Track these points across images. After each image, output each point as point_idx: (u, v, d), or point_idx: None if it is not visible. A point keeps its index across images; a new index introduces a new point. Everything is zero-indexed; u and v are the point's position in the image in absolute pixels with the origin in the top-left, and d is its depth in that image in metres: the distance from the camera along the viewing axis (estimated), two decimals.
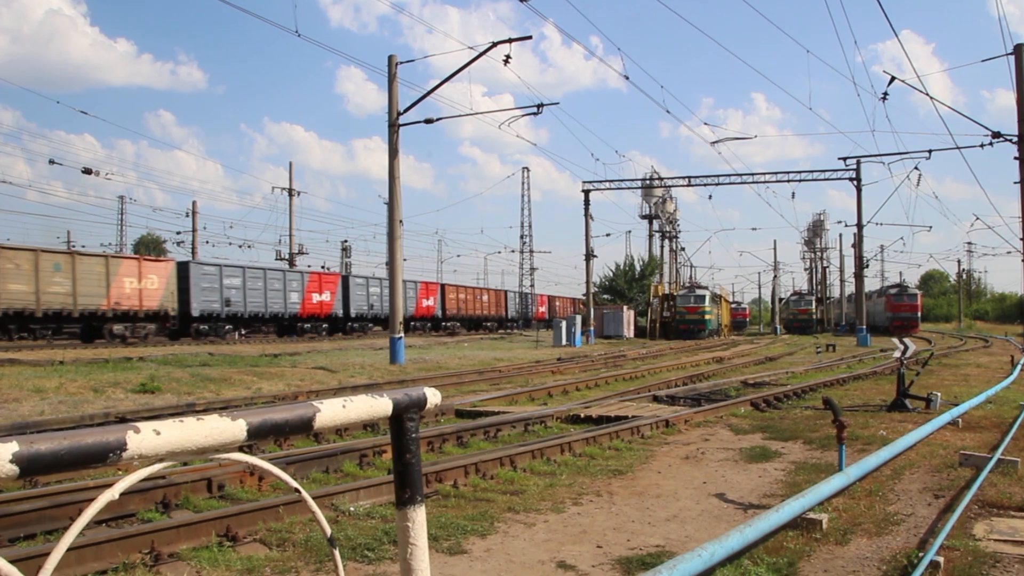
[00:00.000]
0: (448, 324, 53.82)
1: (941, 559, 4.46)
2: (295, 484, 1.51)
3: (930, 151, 32.67)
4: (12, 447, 1.04)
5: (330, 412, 1.48)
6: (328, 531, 1.54)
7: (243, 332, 36.91)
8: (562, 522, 5.86)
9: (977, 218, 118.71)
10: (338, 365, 20.71)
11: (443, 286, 54.34)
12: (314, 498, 1.54)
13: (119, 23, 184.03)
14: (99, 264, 29.20)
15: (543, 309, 71.66)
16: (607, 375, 18.95)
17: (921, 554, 4.58)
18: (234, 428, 1.30)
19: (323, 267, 52.39)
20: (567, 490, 6.86)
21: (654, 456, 8.53)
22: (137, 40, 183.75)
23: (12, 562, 1.04)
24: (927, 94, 22.46)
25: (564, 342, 36.78)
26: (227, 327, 35.47)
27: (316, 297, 41.20)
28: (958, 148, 27.95)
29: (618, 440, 9.22)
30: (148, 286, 31.13)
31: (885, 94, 23.93)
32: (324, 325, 42.35)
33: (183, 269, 33.46)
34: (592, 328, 42.61)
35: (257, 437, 1.36)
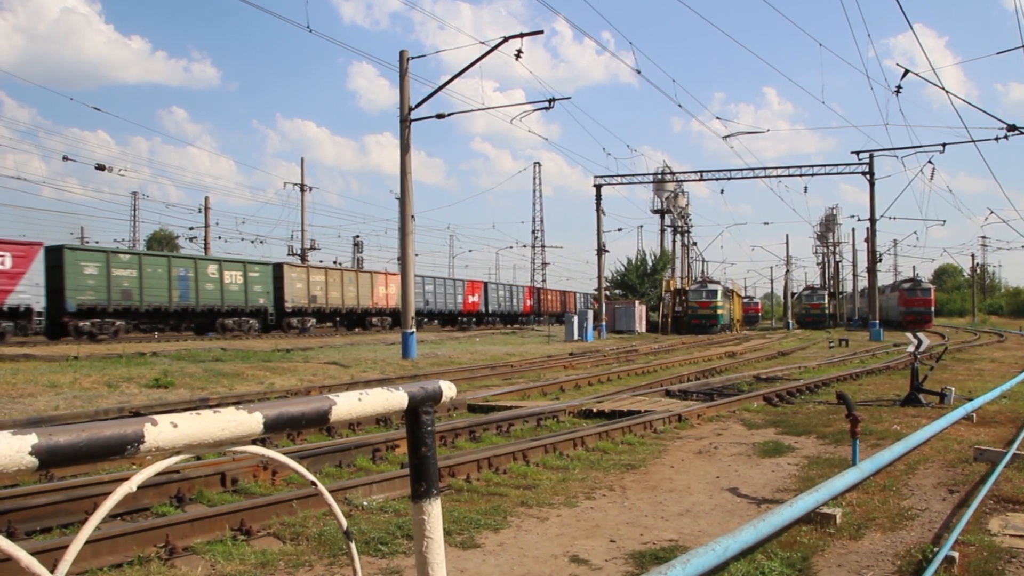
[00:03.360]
0: (540, 318, 67.57)
1: (956, 554, 4.43)
2: (311, 477, 1.51)
3: (944, 145, 32.38)
4: (31, 439, 1.04)
5: (346, 405, 1.47)
6: (344, 524, 1.54)
7: (433, 323, 50.95)
8: (575, 516, 5.86)
9: (991, 212, 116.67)
10: (350, 360, 20.77)
11: (537, 289, 70.48)
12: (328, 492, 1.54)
13: (133, 21, 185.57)
14: (368, 277, 44.30)
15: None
16: (619, 370, 18.92)
17: (936, 549, 4.55)
18: (251, 421, 1.30)
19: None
20: (580, 484, 6.86)
21: (667, 451, 8.52)
22: (151, 37, 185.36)
23: (31, 555, 1.04)
24: (942, 87, 22.30)
25: (576, 337, 36.70)
26: (424, 319, 48.28)
27: (471, 298, 55.34)
28: (973, 141, 27.63)
29: (631, 435, 9.21)
30: (389, 292, 45.10)
31: (899, 87, 23.68)
32: (474, 319, 56.39)
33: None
34: (604, 323, 42.55)
35: (274, 430, 1.36)
